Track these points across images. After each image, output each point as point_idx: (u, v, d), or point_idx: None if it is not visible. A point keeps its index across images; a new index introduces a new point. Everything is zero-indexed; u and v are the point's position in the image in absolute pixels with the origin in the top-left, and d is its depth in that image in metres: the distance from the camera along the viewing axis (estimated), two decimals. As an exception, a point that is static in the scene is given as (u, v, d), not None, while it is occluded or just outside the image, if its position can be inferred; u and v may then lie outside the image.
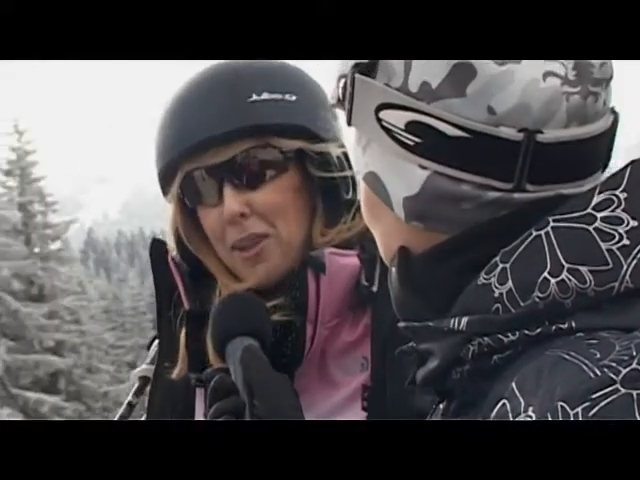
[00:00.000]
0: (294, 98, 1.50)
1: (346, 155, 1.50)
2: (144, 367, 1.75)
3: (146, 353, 1.77)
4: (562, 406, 0.88)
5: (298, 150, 1.50)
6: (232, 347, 1.35)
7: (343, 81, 1.05)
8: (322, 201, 1.52)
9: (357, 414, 1.44)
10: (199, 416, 1.56)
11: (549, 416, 0.88)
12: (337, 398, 1.48)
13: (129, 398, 1.77)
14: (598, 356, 0.90)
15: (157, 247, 1.62)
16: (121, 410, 1.77)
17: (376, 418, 1.43)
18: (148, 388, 1.73)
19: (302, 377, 1.49)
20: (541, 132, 0.97)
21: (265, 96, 1.49)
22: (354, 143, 1.07)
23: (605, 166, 1.02)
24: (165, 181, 1.55)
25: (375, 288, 1.47)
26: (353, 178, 1.51)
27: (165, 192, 1.56)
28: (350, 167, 1.50)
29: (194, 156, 1.50)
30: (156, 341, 1.71)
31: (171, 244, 1.58)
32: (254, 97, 1.49)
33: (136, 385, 1.76)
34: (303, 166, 1.51)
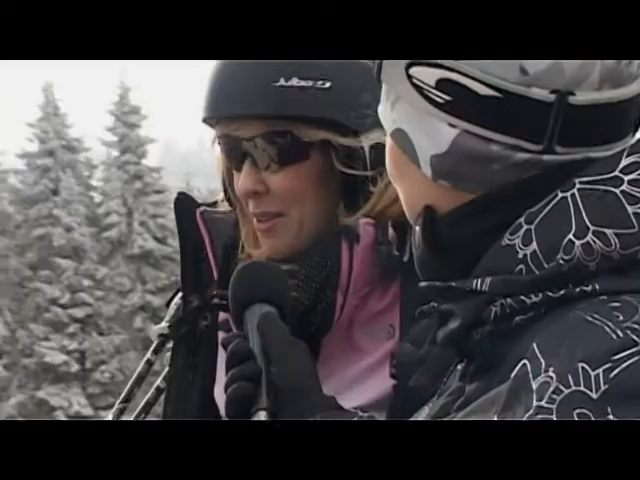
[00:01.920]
0: (327, 85, 1.46)
1: (383, 145, 1.48)
2: (163, 324, 1.74)
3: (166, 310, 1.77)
4: (583, 367, 0.88)
5: (323, 140, 1.48)
6: (250, 314, 1.35)
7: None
8: (343, 193, 1.50)
9: (384, 380, 1.44)
10: (221, 365, 1.56)
11: (570, 376, 0.88)
12: (363, 364, 1.48)
13: (148, 355, 1.77)
14: (621, 318, 0.90)
15: (183, 201, 1.62)
16: (139, 367, 1.78)
17: (404, 385, 1.43)
18: (167, 345, 1.73)
19: (329, 344, 1.50)
20: (573, 94, 0.97)
21: (294, 82, 1.46)
22: (383, 99, 1.07)
23: (636, 130, 1.01)
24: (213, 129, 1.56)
25: (406, 258, 1.46)
26: (382, 172, 1.45)
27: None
28: (379, 163, 1.44)
29: (224, 123, 1.51)
30: (176, 298, 1.71)
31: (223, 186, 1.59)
32: (281, 82, 1.46)
33: (155, 342, 1.76)
34: (328, 156, 1.49)
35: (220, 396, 1.53)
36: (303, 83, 1.46)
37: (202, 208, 1.60)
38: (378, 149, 1.45)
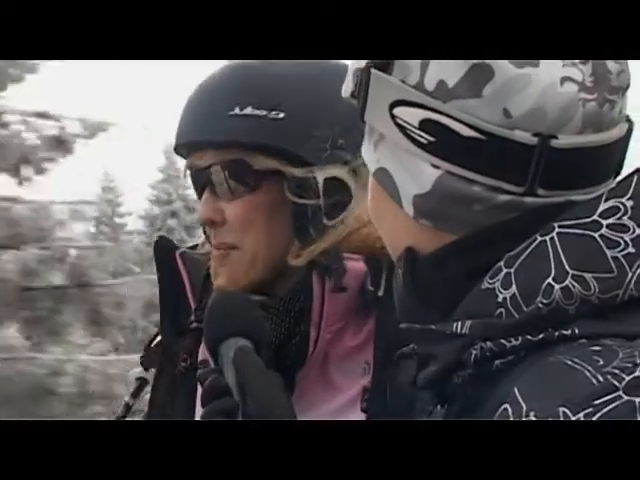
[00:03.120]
0: (281, 115, 1.47)
1: (338, 179, 1.48)
2: (141, 368, 1.73)
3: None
4: (564, 412, 0.87)
5: (275, 170, 1.48)
6: (225, 348, 1.35)
7: (358, 75, 1.05)
8: (295, 224, 1.49)
9: (356, 416, 1.43)
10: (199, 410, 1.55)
11: None
12: (337, 402, 1.47)
13: (126, 399, 1.76)
14: (601, 363, 0.90)
15: (162, 245, 1.61)
16: (119, 411, 1.76)
17: (375, 419, 1.42)
18: (146, 389, 1.72)
19: (303, 380, 1.49)
20: (556, 137, 0.97)
21: (248, 111, 1.47)
22: (366, 138, 1.07)
23: (617, 174, 1.02)
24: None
25: (381, 293, 1.46)
26: (336, 204, 1.48)
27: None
28: (340, 191, 1.47)
29: (186, 152, 1.53)
30: (155, 342, 1.71)
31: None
32: (236, 111, 1.47)
33: (134, 386, 1.75)
34: (280, 186, 1.49)
35: None
36: (257, 112, 1.47)
37: (181, 249, 1.60)
38: (332, 182, 1.47)
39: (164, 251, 1.61)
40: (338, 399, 1.47)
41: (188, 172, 1.55)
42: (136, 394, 1.74)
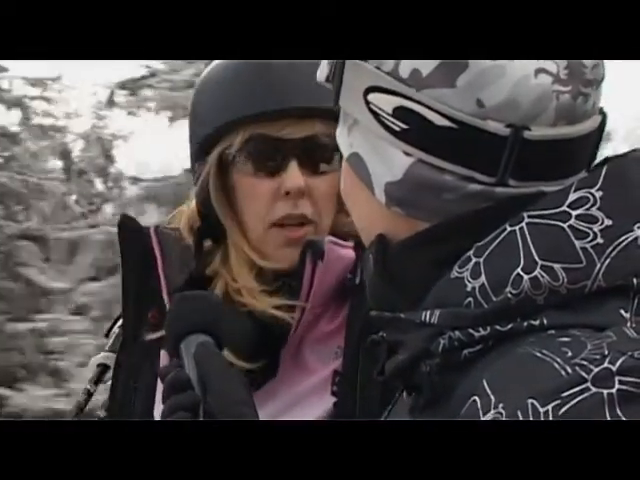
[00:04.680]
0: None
1: None
2: (102, 354, 1.73)
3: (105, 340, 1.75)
4: (532, 403, 0.87)
5: None
6: (187, 344, 1.35)
7: (333, 60, 1.04)
8: None
9: (325, 398, 1.44)
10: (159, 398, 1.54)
11: (519, 413, 0.87)
12: (307, 384, 1.48)
13: (87, 386, 1.75)
14: (570, 354, 0.90)
15: (127, 223, 1.60)
16: (80, 398, 1.75)
17: (344, 403, 1.43)
18: (107, 375, 1.71)
19: (283, 357, 1.50)
20: (528, 129, 0.97)
21: None
22: (340, 122, 1.07)
23: (589, 167, 1.02)
24: (214, 139, 1.50)
25: (358, 280, 1.46)
26: None
27: (208, 150, 1.52)
28: None
29: (265, 122, 1.47)
30: (115, 327, 1.70)
31: (196, 205, 1.55)
32: None
33: (94, 373, 1.74)
34: None
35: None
36: None
37: (156, 225, 1.58)
38: None
39: (131, 229, 1.59)
40: (308, 381, 1.48)
41: (253, 143, 1.49)
42: (97, 380, 1.73)
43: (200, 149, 1.53)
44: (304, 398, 1.46)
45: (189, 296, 1.42)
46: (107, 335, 1.73)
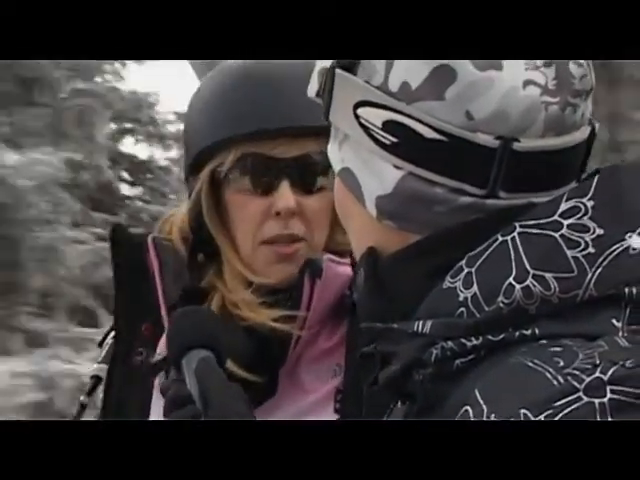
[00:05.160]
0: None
1: None
2: (96, 366, 1.73)
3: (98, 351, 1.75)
4: (525, 413, 0.87)
5: None
6: (188, 359, 1.36)
7: (323, 75, 1.05)
8: None
9: (325, 417, 1.44)
10: (155, 408, 1.54)
11: None
12: (305, 403, 1.48)
13: (81, 398, 1.75)
14: (561, 364, 0.90)
15: (121, 233, 1.60)
16: (74, 411, 1.75)
17: (349, 419, 1.43)
18: (100, 387, 1.71)
19: (281, 376, 1.50)
20: (517, 140, 0.98)
21: None
22: (331, 138, 1.07)
23: (579, 177, 1.02)
24: (206, 156, 1.51)
25: (356, 296, 1.46)
26: None
27: (201, 166, 1.52)
28: None
29: (258, 141, 1.48)
30: (108, 338, 1.70)
31: (188, 220, 1.55)
32: None
33: (88, 385, 1.74)
34: None
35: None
36: None
37: (154, 235, 1.58)
38: None
39: (124, 239, 1.60)
40: (305, 401, 1.48)
41: (244, 162, 1.49)
42: (90, 392, 1.73)
43: (193, 165, 1.53)
44: (303, 417, 1.46)
45: (189, 311, 1.43)
46: (100, 346, 1.73)
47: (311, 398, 1.47)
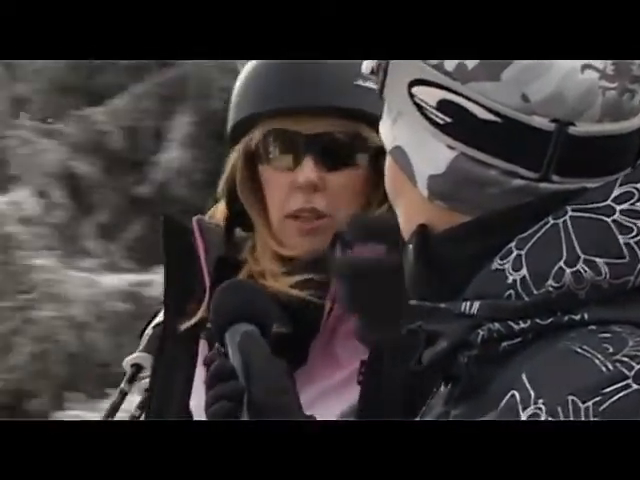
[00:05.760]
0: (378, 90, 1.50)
1: None
2: (136, 355, 1.74)
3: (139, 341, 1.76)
4: (573, 400, 0.87)
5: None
6: (231, 333, 1.36)
7: None
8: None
9: (353, 390, 1.45)
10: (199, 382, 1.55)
11: (559, 409, 0.87)
12: (337, 377, 1.49)
13: (121, 386, 1.76)
14: (611, 350, 0.89)
15: (170, 220, 1.63)
16: (114, 399, 1.76)
17: (369, 392, 1.45)
18: (140, 375, 1.72)
19: (314, 348, 1.52)
20: (573, 124, 0.97)
21: (369, 84, 1.46)
22: (384, 115, 1.07)
23: (635, 164, 1.01)
24: (240, 130, 1.57)
25: (405, 274, 1.47)
26: None
27: (235, 141, 1.58)
28: None
29: (285, 117, 1.53)
30: (149, 328, 1.72)
31: (224, 194, 1.60)
32: (360, 82, 1.49)
33: (129, 372, 1.75)
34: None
35: (197, 407, 1.52)
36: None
37: (198, 217, 1.62)
38: None
39: (173, 227, 1.63)
40: (339, 374, 1.49)
41: (272, 137, 1.54)
42: (131, 380, 1.74)
43: (230, 139, 1.59)
44: (334, 390, 1.48)
45: (233, 285, 1.45)
46: (141, 335, 1.75)
47: (344, 373, 1.48)
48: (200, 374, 1.54)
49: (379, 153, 1.51)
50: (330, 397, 1.47)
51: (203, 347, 1.57)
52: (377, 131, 1.45)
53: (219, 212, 1.64)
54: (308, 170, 1.50)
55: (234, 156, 1.58)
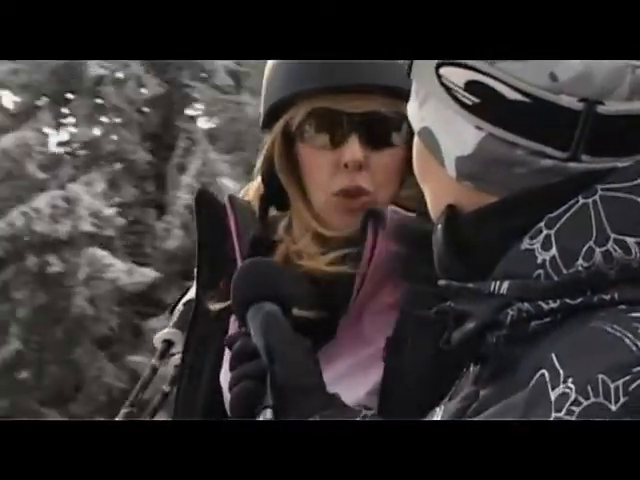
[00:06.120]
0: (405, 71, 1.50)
1: None
2: (167, 331, 1.74)
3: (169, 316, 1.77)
4: (602, 379, 0.87)
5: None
6: (253, 312, 1.35)
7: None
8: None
9: (380, 367, 1.45)
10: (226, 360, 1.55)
11: (589, 388, 0.87)
12: (365, 353, 1.48)
13: (152, 361, 1.77)
14: None
15: (204, 196, 1.63)
16: (145, 374, 1.77)
17: (393, 368, 1.44)
18: (171, 351, 1.73)
19: (343, 325, 1.50)
20: (602, 103, 0.96)
21: None
22: (412, 96, 1.07)
23: None
24: (279, 110, 1.55)
25: (434, 253, 1.46)
26: None
27: (274, 119, 1.56)
28: None
29: (327, 96, 1.51)
30: (180, 305, 1.72)
31: (261, 172, 1.59)
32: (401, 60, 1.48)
33: (159, 349, 1.75)
34: None
35: (226, 382, 1.53)
36: None
37: (231, 194, 1.62)
38: None
39: (207, 202, 1.62)
40: (366, 351, 1.48)
41: (315, 116, 1.52)
42: (162, 356, 1.75)
43: (267, 118, 1.57)
44: (360, 367, 1.47)
45: (253, 263, 1.43)
46: (172, 312, 1.76)
47: (371, 349, 1.47)
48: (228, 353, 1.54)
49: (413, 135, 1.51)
50: (357, 374, 1.46)
51: (234, 324, 1.57)
52: None
53: (253, 190, 1.63)
54: (355, 149, 1.49)
55: (272, 136, 1.56)
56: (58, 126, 14.70)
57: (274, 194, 1.59)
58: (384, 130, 1.51)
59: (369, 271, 1.47)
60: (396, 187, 1.53)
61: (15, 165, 13.78)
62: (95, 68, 13.87)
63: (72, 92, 14.41)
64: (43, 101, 14.35)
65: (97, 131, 14.53)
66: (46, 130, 14.45)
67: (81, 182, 13.71)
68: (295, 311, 1.39)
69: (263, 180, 1.59)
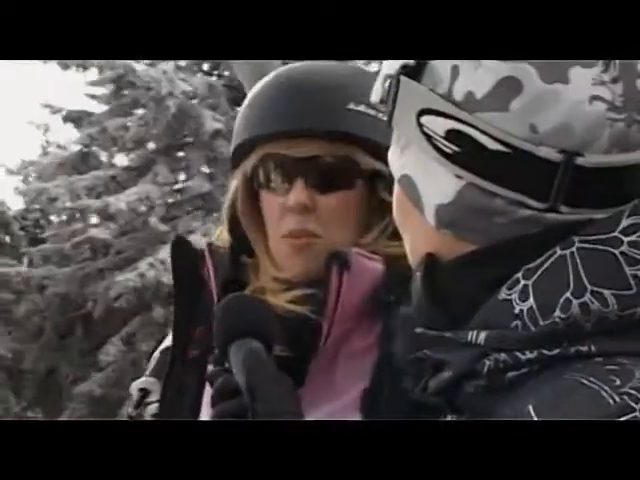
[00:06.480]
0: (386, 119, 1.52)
1: None
2: (143, 379, 1.74)
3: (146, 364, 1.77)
4: None
5: (375, 170, 1.52)
6: (235, 349, 1.35)
7: (388, 81, 1.05)
8: (377, 223, 1.55)
9: (356, 417, 1.43)
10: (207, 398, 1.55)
11: None
12: (338, 403, 1.47)
13: (129, 410, 1.76)
14: (618, 383, 0.89)
15: (180, 244, 1.63)
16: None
17: (370, 418, 1.43)
18: (147, 400, 1.72)
19: (314, 371, 1.49)
20: (581, 155, 0.97)
21: (361, 108, 1.52)
22: (393, 143, 1.07)
23: None
24: (239, 156, 1.59)
25: (393, 298, 1.46)
26: None
27: (235, 166, 1.60)
28: None
29: (279, 141, 1.54)
30: (156, 353, 1.72)
31: (225, 220, 1.62)
32: (352, 106, 1.52)
33: (135, 397, 1.75)
34: (374, 186, 1.54)
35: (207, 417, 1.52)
36: (370, 111, 1.51)
37: (209, 241, 1.63)
38: None
39: (184, 249, 1.63)
40: (340, 400, 1.47)
41: (267, 161, 1.56)
42: (137, 405, 1.74)
43: (232, 163, 1.61)
44: (334, 417, 1.45)
45: (237, 298, 1.44)
46: (148, 360, 1.75)
47: (344, 399, 1.46)
48: (208, 395, 1.53)
49: (373, 176, 1.53)
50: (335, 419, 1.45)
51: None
52: (370, 154, 1.50)
53: (225, 234, 1.65)
54: (298, 192, 1.52)
55: (234, 182, 1.60)
56: (175, 179, 14.91)
57: (239, 239, 1.61)
58: (330, 174, 1.53)
59: (337, 314, 1.47)
60: (352, 230, 1.54)
61: (138, 219, 13.94)
62: (211, 122, 14.04)
63: (186, 145, 14.59)
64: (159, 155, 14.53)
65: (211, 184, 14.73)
66: (163, 182, 14.65)
67: (200, 231, 13.79)
68: (276, 348, 1.38)
69: (228, 228, 1.62)
